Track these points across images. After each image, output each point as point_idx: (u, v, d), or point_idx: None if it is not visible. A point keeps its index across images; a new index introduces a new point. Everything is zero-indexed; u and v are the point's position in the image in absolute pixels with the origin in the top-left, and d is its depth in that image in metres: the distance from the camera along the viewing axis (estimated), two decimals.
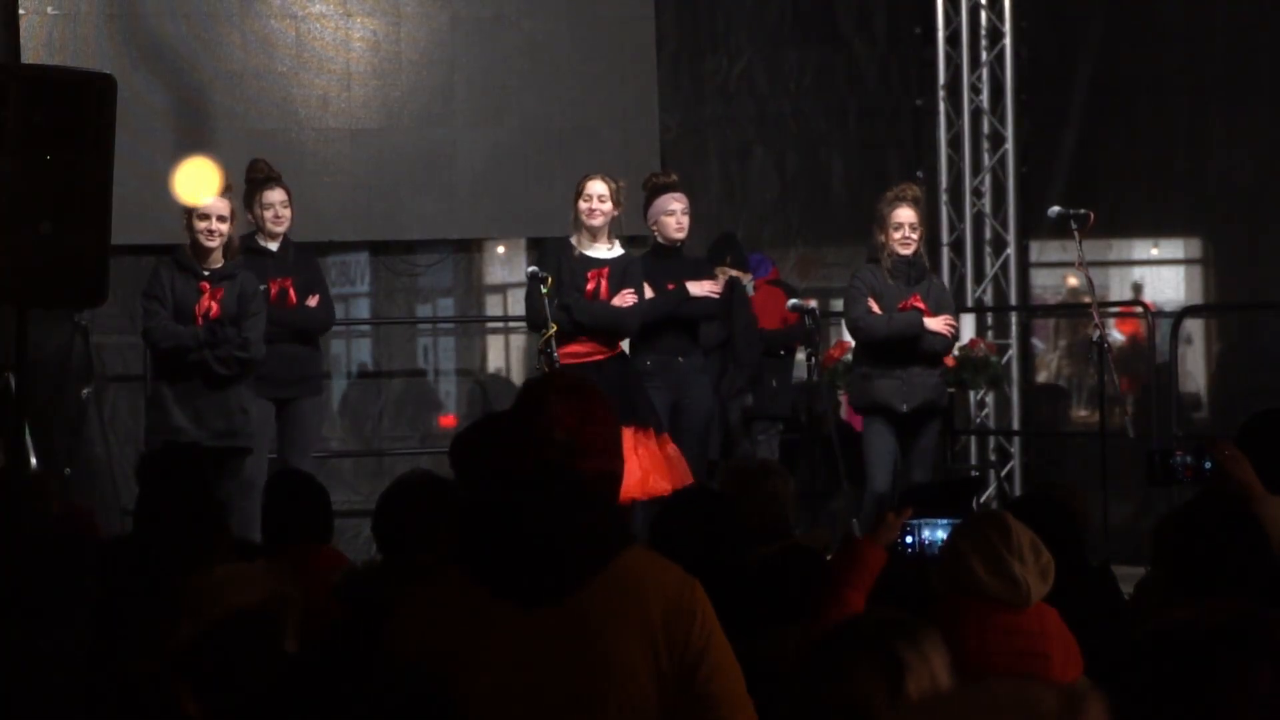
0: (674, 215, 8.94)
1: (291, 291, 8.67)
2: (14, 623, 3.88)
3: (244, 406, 8.23)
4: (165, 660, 3.46)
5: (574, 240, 8.67)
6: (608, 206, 8.60)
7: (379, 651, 3.25)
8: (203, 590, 3.56)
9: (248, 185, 8.74)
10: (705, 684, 3.17)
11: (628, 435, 7.15)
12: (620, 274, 8.63)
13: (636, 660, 3.15)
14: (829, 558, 4.64)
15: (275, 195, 8.71)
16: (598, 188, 8.61)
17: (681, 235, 8.99)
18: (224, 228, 8.23)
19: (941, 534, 4.36)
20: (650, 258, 9.01)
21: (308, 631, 4.11)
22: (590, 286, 8.57)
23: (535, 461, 3.27)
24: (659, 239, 9.01)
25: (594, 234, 8.62)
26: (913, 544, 4.40)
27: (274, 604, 3.54)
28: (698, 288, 8.88)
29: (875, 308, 8.77)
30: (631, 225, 9.36)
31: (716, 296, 8.98)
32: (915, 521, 4.39)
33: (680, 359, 8.86)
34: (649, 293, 8.74)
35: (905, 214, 8.80)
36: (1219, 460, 4.85)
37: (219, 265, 8.24)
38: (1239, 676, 2.33)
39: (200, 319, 8.13)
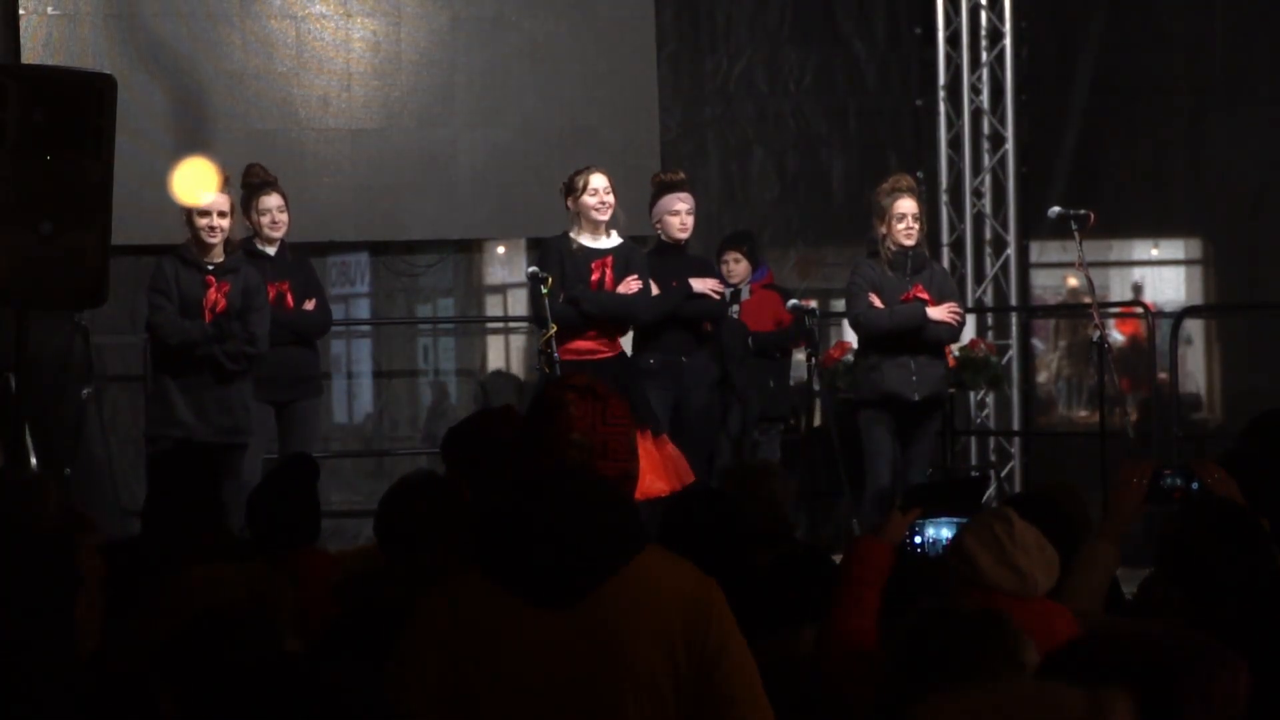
0: (678, 215, 8.92)
1: (289, 295, 8.67)
2: (6, 622, 3.87)
3: (246, 403, 8.24)
4: (141, 659, 3.45)
5: (574, 235, 8.65)
6: (611, 198, 8.59)
7: (390, 652, 3.26)
8: (178, 590, 3.56)
9: (244, 190, 8.73)
10: (723, 683, 3.18)
11: None
12: (624, 263, 8.61)
13: (654, 659, 3.16)
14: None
15: (272, 200, 8.71)
16: (601, 181, 8.57)
17: (685, 235, 8.97)
18: (224, 223, 8.24)
19: (946, 533, 4.36)
20: (654, 256, 9.00)
21: (304, 631, 4.11)
22: (595, 277, 8.56)
23: (553, 462, 3.28)
24: (662, 237, 9.00)
25: (597, 227, 8.60)
26: (920, 543, 4.40)
27: (252, 604, 3.53)
28: (700, 285, 8.86)
29: (877, 302, 8.76)
30: (633, 225, 9.35)
31: (719, 296, 8.95)
32: (920, 521, 4.39)
33: (683, 358, 8.84)
34: (654, 289, 8.72)
35: (907, 204, 8.79)
36: (1207, 483, 4.83)
37: (221, 260, 8.26)
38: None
39: (209, 313, 8.14)
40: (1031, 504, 4.67)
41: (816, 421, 10.10)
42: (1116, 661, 2.29)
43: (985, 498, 10.88)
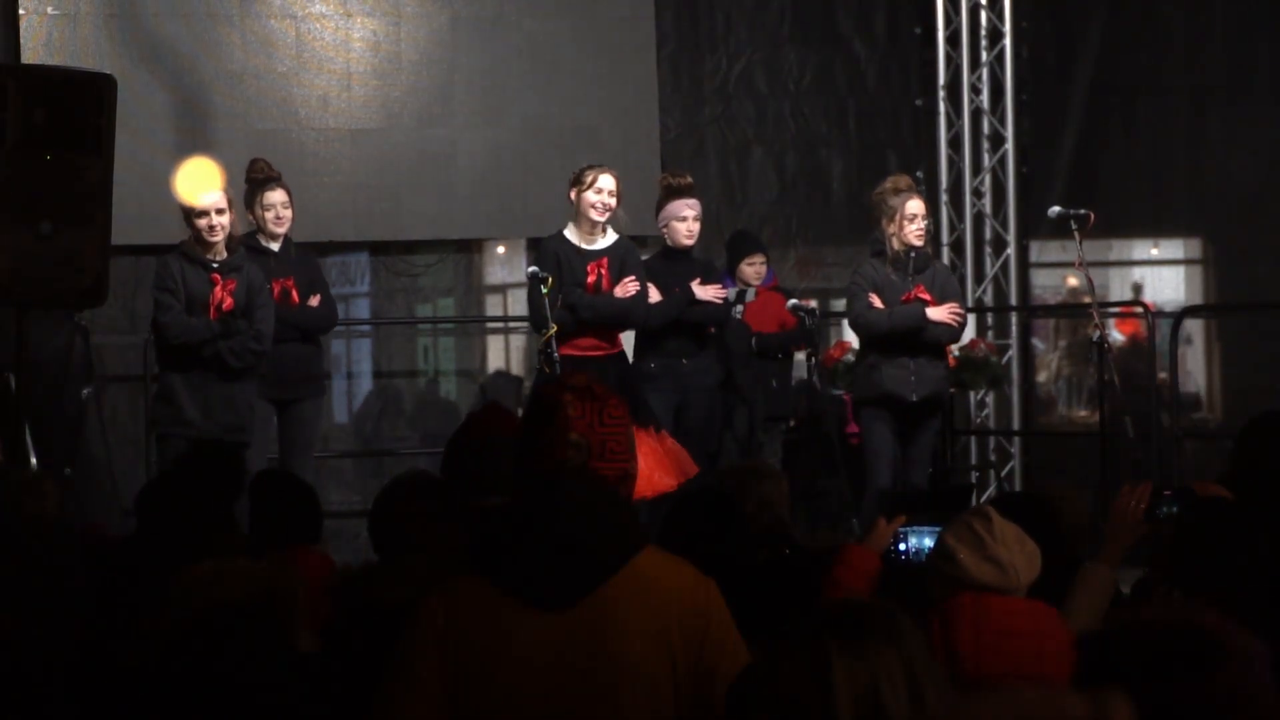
0: (685, 222, 8.90)
1: (294, 291, 8.65)
2: (4, 618, 3.88)
3: (250, 403, 8.22)
4: (153, 652, 3.45)
5: (570, 235, 8.62)
6: (614, 201, 8.54)
7: (387, 653, 3.26)
8: (191, 583, 3.56)
9: (248, 185, 8.72)
10: (721, 683, 3.17)
11: None
12: (619, 262, 8.60)
13: (653, 661, 3.17)
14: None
15: (276, 196, 8.70)
16: (609, 182, 8.51)
17: (691, 242, 8.95)
18: (223, 220, 8.19)
19: (930, 541, 4.37)
20: (659, 260, 8.98)
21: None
22: (591, 279, 8.55)
23: (551, 463, 3.28)
24: (668, 242, 8.98)
25: (594, 227, 8.56)
26: (905, 551, 4.42)
27: (263, 599, 3.53)
28: (703, 292, 8.85)
29: (877, 303, 8.75)
30: (633, 225, 9.35)
31: (721, 302, 8.93)
32: (904, 529, 4.41)
33: (684, 361, 8.84)
34: (653, 291, 8.71)
35: (918, 204, 8.79)
36: None
37: (225, 257, 8.23)
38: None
39: (215, 310, 8.12)
40: (1016, 503, 4.68)
41: (816, 421, 10.10)
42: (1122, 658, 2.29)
43: (984, 498, 10.89)
